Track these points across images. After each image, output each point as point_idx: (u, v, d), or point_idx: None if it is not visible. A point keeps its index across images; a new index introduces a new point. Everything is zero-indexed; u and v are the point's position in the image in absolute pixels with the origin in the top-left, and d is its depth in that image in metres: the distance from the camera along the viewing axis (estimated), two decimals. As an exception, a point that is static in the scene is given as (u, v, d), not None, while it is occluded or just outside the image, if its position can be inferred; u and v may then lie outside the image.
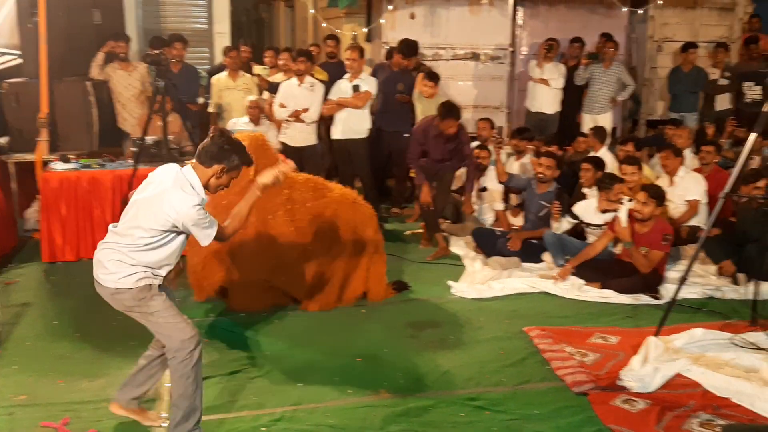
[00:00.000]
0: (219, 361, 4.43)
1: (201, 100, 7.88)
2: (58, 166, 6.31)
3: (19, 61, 7.43)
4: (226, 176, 3.44)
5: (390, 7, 9.40)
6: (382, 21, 9.51)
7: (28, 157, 6.68)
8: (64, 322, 5.00)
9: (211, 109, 7.99)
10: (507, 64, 10.02)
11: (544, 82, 8.97)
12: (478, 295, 5.57)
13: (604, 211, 6.11)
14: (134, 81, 7.39)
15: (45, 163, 6.50)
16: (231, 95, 7.90)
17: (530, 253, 6.31)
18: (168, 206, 3.28)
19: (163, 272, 3.48)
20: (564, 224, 6.34)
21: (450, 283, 5.79)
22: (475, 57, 9.94)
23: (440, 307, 5.40)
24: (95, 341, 4.68)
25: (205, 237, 3.37)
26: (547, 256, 6.26)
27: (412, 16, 9.32)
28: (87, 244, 6.23)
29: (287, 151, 7.23)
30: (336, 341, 4.76)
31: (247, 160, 3.49)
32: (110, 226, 3.53)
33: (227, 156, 3.39)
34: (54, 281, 5.85)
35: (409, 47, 7.85)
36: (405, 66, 7.75)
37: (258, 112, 7.46)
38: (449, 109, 6.35)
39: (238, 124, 7.43)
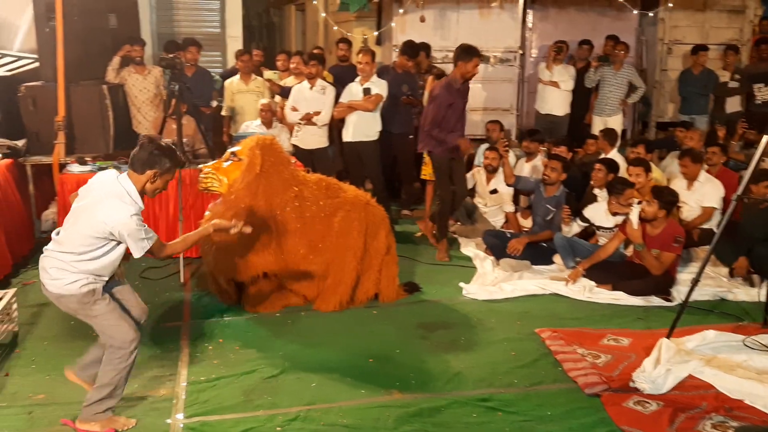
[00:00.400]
0: (233, 361, 4.49)
1: (214, 103, 7.95)
2: (75, 168, 6.39)
3: (36, 64, 7.53)
4: (160, 180, 3.56)
5: (400, 11, 9.45)
6: (392, 24, 9.56)
7: (45, 160, 6.76)
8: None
9: (224, 113, 8.06)
10: (516, 66, 10.06)
11: (554, 84, 9.01)
12: (489, 297, 5.61)
13: (614, 215, 6.14)
14: (149, 84, 7.47)
15: (62, 166, 6.58)
16: (243, 98, 7.97)
17: (541, 255, 6.34)
18: (104, 215, 3.40)
19: (107, 277, 3.60)
20: (574, 227, 6.37)
21: (461, 284, 5.83)
22: (484, 60, 9.97)
23: (451, 309, 5.45)
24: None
25: (139, 249, 3.47)
26: (558, 258, 6.29)
27: (422, 19, 9.36)
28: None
29: (299, 153, 7.30)
30: (348, 342, 4.81)
31: (177, 162, 3.62)
32: (53, 233, 3.63)
33: (158, 161, 3.50)
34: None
35: (411, 48, 7.90)
36: (409, 67, 7.79)
37: (270, 115, 7.52)
38: (469, 48, 6.33)
39: (251, 127, 7.49)
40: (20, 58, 8.11)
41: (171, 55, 6.28)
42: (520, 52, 10.00)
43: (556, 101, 9.08)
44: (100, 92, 7.04)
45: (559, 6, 10.10)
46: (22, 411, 3.86)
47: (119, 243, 3.51)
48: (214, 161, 5.24)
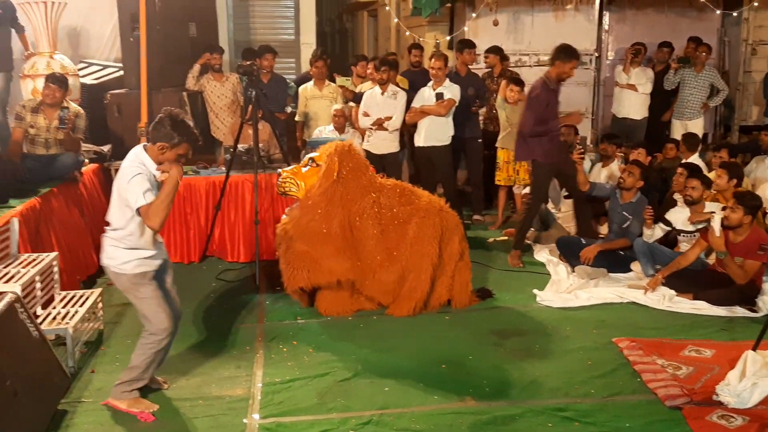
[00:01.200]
0: (307, 364, 4.55)
1: (289, 109, 8.09)
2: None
3: (121, 73, 7.84)
4: (169, 152, 3.71)
5: (473, 15, 9.41)
6: (465, 28, 9.53)
7: (128, 165, 7.01)
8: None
9: (297, 118, 8.19)
10: (592, 69, 9.87)
11: (632, 87, 8.80)
12: (564, 304, 5.52)
13: (696, 222, 5.94)
14: (226, 91, 7.66)
15: (144, 170, 6.81)
16: (317, 104, 8.07)
17: (618, 262, 6.19)
18: (123, 181, 3.67)
19: (153, 254, 3.85)
20: (657, 231, 6.17)
21: (535, 291, 5.75)
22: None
23: (525, 316, 5.38)
24: (191, 341, 4.88)
25: (135, 200, 3.60)
26: (635, 266, 6.12)
27: (496, 23, 9.30)
28: (183, 248, 6.52)
29: (370, 158, 7.27)
30: (421, 347, 4.81)
31: (188, 137, 3.73)
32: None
33: (168, 135, 3.68)
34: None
35: (463, 43, 8.00)
36: (468, 63, 7.84)
37: (343, 121, 7.60)
38: (569, 49, 6.25)
39: (324, 132, 7.59)
40: (106, 66, 8.47)
41: (248, 63, 6.42)
42: (596, 54, 9.81)
43: (633, 105, 8.86)
44: (181, 99, 7.27)
45: (637, 7, 9.86)
46: (107, 407, 3.98)
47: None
48: (293, 166, 5.34)
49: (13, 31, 7.28)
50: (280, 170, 5.32)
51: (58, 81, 6.10)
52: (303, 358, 4.63)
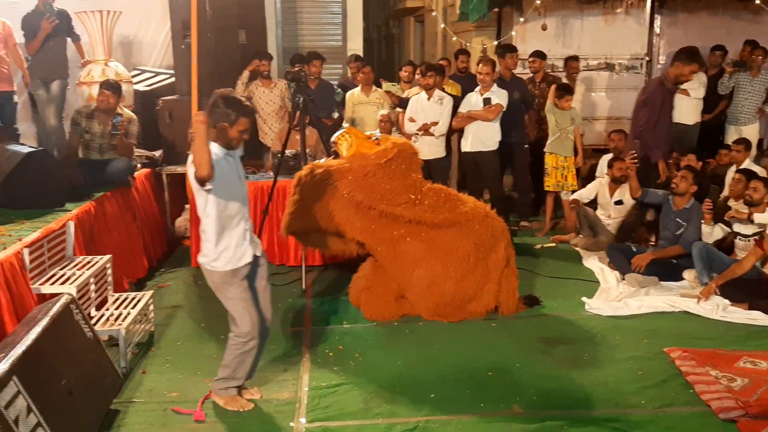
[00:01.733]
0: (353, 368, 4.56)
1: (336, 114, 8.14)
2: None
3: (172, 79, 8.00)
4: (231, 130, 3.76)
5: (521, 19, 9.34)
6: (512, 33, 9.46)
7: (179, 169, 7.15)
8: (211, 324, 5.31)
9: (345, 123, 8.22)
10: (643, 73, 9.72)
11: (684, 92, 8.59)
12: (614, 313, 5.42)
13: (732, 218, 5.79)
14: (275, 97, 7.75)
15: (194, 175, 6.92)
16: (364, 109, 8.10)
17: (670, 270, 6.06)
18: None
19: (247, 259, 3.87)
20: (717, 231, 5.98)
21: (584, 299, 5.66)
22: (609, 67, 9.72)
23: (573, 324, 5.30)
24: (239, 344, 4.93)
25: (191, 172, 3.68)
26: (688, 274, 5.98)
27: (544, 27, 9.21)
28: (230, 251, 6.58)
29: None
30: (467, 354, 4.78)
31: (244, 110, 3.79)
32: None
33: (222, 112, 3.73)
34: (202, 286, 6.17)
35: (504, 48, 8.01)
36: (511, 67, 7.83)
37: (389, 126, 7.61)
38: (692, 52, 6.16)
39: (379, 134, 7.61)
40: (158, 73, 8.64)
41: (296, 69, 6.48)
42: (647, 58, 9.65)
43: (685, 110, 8.63)
44: (230, 105, 7.35)
45: (690, 10, 9.66)
46: (158, 408, 4.07)
47: (209, 193, 3.72)
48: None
49: (69, 39, 7.48)
50: (347, 125, 5.31)
51: (111, 87, 6.26)
52: (349, 363, 4.65)
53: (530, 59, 8.25)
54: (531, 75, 8.32)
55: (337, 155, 5.37)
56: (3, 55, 7.23)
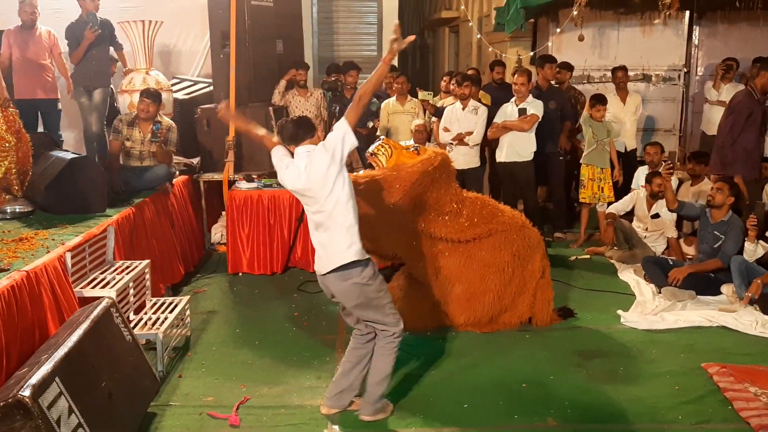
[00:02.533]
0: (387, 377, 4.57)
1: (371, 123, 8.18)
2: (243, 185, 6.80)
3: (211, 88, 8.12)
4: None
5: (557, 30, 9.31)
6: (548, 44, 9.44)
7: (216, 177, 7.25)
8: (246, 330, 5.37)
9: (379, 133, 8.26)
10: (680, 85, 9.64)
11: (722, 104, 8.48)
12: (650, 327, 5.36)
13: None
14: (311, 106, 7.81)
15: (231, 183, 7.02)
16: (398, 119, 8.13)
17: (707, 284, 5.97)
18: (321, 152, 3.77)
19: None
20: (759, 249, 5.88)
21: (619, 312, 5.60)
22: (646, 78, 9.64)
23: (609, 337, 5.25)
24: (274, 350, 4.98)
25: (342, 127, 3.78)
26: (726, 288, 5.89)
27: (581, 38, 9.16)
28: (266, 258, 6.67)
29: (451, 173, 7.34)
30: (500, 364, 4.76)
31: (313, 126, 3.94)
32: None
33: (310, 128, 3.89)
34: (237, 291, 6.29)
35: (543, 58, 8.00)
36: (549, 78, 7.81)
37: (425, 136, 7.63)
38: None
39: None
40: (197, 82, 8.78)
41: (333, 78, 6.54)
42: (685, 70, 9.56)
43: (725, 122, 8.54)
44: (267, 114, 7.45)
45: (730, 21, 9.55)
46: (194, 411, 4.12)
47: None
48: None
49: (111, 48, 7.65)
50: (383, 137, 5.32)
51: (151, 96, 6.38)
52: (382, 371, 4.65)
53: (556, 70, 8.22)
54: (557, 86, 8.28)
55: (372, 167, 5.37)
56: (48, 63, 7.41)
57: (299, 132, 3.86)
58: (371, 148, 5.23)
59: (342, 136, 3.73)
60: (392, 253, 5.27)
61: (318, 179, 3.72)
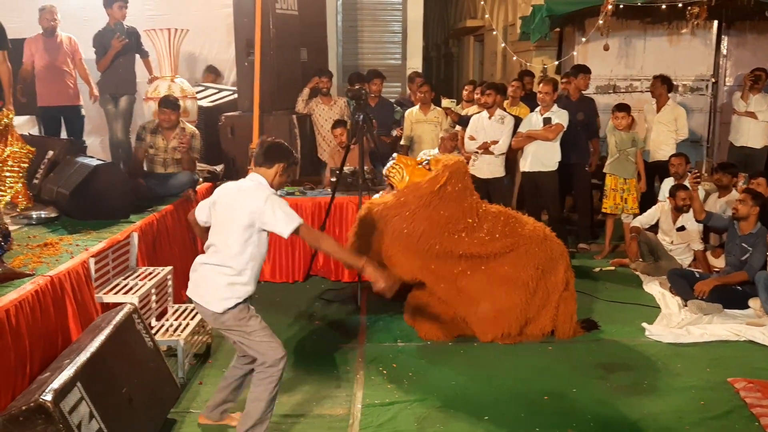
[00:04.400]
0: (407, 387, 4.54)
1: (394, 132, 8.19)
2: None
3: (235, 96, 8.18)
4: (285, 173, 3.73)
5: (583, 39, 9.25)
6: (574, 53, 9.38)
7: (239, 184, 7.27)
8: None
9: (403, 142, 8.26)
10: (708, 95, 9.53)
11: (751, 114, 8.37)
12: (675, 340, 5.28)
13: None
14: (334, 114, 7.83)
15: (253, 190, 7.03)
16: (422, 128, 8.12)
17: (734, 298, 5.86)
18: (247, 203, 3.56)
19: (253, 287, 3.73)
20: None
21: (644, 324, 5.52)
22: (673, 88, 9.52)
23: (633, 350, 5.17)
24: (294, 359, 4.96)
25: (286, 226, 3.53)
26: (754, 302, 5.78)
27: (606, 48, 9.10)
28: (288, 266, 6.68)
29: (475, 182, 7.27)
30: (522, 376, 4.71)
31: (295, 158, 3.81)
32: (205, 247, 3.84)
33: (287, 154, 3.73)
34: (258, 299, 6.17)
35: (577, 68, 7.96)
36: (582, 88, 7.77)
37: (453, 144, 7.60)
38: None
39: (428, 156, 7.60)
40: (221, 90, 8.86)
41: (357, 87, 6.54)
42: (713, 80, 9.44)
43: (752, 133, 8.42)
44: (290, 121, 7.49)
45: (759, 31, 9.43)
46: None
47: (261, 234, 3.61)
48: (410, 158, 5.36)
49: (137, 56, 7.74)
50: (396, 155, 5.29)
51: (170, 105, 6.39)
52: (403, 381, 4.63)
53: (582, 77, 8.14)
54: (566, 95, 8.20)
55: (392, 187, 5.36)
56: (70, 70, 7.51)
57: (261, 155, 3.72)
58: (385, 169, 5.21)
59: (285, 224, 3.55)
60: (412, 278, 5.24)
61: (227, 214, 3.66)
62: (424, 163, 5.20)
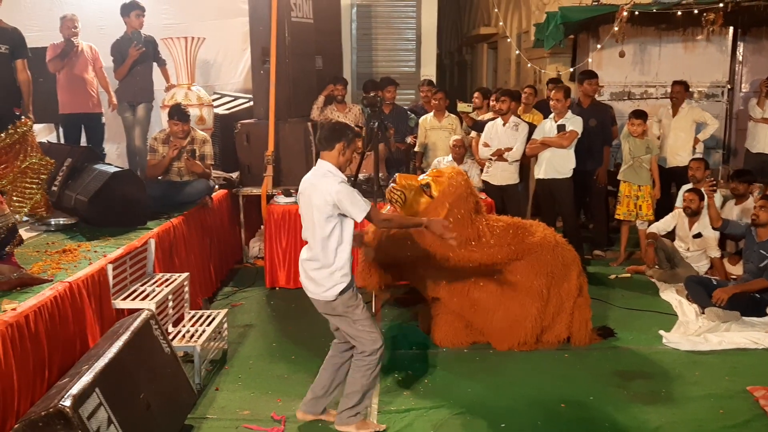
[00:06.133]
0: (423, 394, 4.54)
1: (408, 139, 8.20)
2: (281, 199, 6.84)
3: (251, 104, 8.22)
4: (348, 151, 3.89)
5: (598, 46, 9.23)
6: (588, 60, 9.36)
7: (255, 191, 7.32)
8: (282, 344, 5.39)
9: (417, 148, 8.28)
10: (724, 102, 9.47)
11: (766, 121, 8.32)
12: (693, 348, 5.24)
13: None
14: (349, 122, 7.84)
15: (269, 197, 7.07)
16: (436, 135, 8.12)
17: (753, 305, 5.81)
18: (322, 192, 3.76)
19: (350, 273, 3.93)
20: None
21: (661, 332, 5.49)
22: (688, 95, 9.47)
23: (649, 358, 5.14)
24: (310, 365, 4.94)
25: (359, 211, 3.75)
26: (772, 310, 5.74)
27: (622, 54, 9.08)
28: (302, 273, 6.68)
29: (489, 189, 7.31)
30: (538, 384, 4.70)
31: (354, 131, 3.94)
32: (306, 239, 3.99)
33: (343, 132, 3.87)
34: (274, 305, 6.32)
35: (583, 74, 7.89)
36: (589, 94, 7.72)
37: (463, 151, 7.61)
38: None
39: (442, 163, 7.61)
40: (237, 98, 8.91)
41: (372, 94, 6.56)
42: (729, 86, 9.39)
43: (768, 140, 8.37)
44: (305, 129, 7.50)
45: (775, 37, 9.38)
46: (231, 425, 4.13)
47: (342, 221, 3.83)
48: (411, 177, 5.30)
49: (154, 64, 7.81)
50: (397, 175, 5.26)
51: (180, 115, 6.38)
52: (418, 388, 4.63)
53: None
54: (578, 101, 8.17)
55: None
56: (91, 78, 7.58)
57: (322, 139, 3.91)
58: (387, 193, 5.11)
59: (356, 210, 3.76)
60: (430, 296, 5.31)
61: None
62: (425, 187, 5.10)
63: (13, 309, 3.54)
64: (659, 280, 6.78)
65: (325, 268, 3.84)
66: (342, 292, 3.85)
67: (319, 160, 3.92)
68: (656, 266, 6.96)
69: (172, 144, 6.39)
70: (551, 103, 7.16)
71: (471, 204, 5.08)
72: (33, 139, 5.67)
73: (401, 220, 4.07)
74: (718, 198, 6.93)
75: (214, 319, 5.07)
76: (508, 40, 11.73)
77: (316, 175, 3.87)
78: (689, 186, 7.16)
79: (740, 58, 9.54)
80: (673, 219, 7.09)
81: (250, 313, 6.11)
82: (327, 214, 3.76)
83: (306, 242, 3.97)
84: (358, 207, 3.74)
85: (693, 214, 6.78)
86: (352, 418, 4.00)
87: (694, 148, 8.06)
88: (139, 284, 4.89)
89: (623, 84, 9.51)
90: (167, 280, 5.05)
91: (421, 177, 5.22)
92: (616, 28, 8.58)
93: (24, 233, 5.38)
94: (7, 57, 5.74)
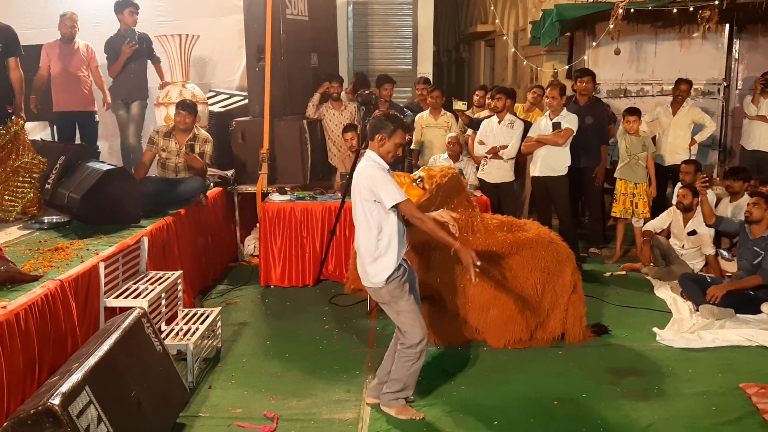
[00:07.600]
0: (416, 392, 4.47)
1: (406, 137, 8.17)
2: (276, 197, 6.83)
3: (246, 101, 8.21)
4: (389, 142, 3.94)
5: (593, 43, 9.22)
6: (584, 57, 9.35)
7: (250, 189, 7.31)
8: (276, 342, 5.38)
9: (413, 146, 8.27)
10: (720, 99, 9.45)
11: (762, 118, 8.32)
12: (686, 345, 5.23)
13: None
14: (344, 119, 7.84)
15: (264, 195, 7.06)
16: (432, 132, 8.13)
17: (747, 303, 5.82)
18: (360, 177, 3.91)
19: (399, 261, 3.98)
20: None
21: (655, 329, 5.49)
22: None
23: (643, 355, 5.13)
24: (303, 363, 4.98)
25: (389, 198, 3.82)
26: (766, 307, 5.73)
27: (617, 52, 9.06)
28: (298, 270, 6.68)
29: (485, 187, 7.31)
30: (532, 381, 4.69)
31: (399, 123, 3.97)
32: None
33: (382, 125, 3.94)
34: (268, 303, 6.31)
35: (578, 72, 7.92)
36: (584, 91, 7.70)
37: (459, 148, 7.61)
38: None
39: (438, 161, 7.61)
40: (232, 95, 8.89)
41: (367, 92, 6.55)
42: (725, 83, 9.37)
43: (764, 137, 8.36)
44: (301, 127, 7.50)
45: (771, 34, 9.36)
46: (223, 423, 4.12)
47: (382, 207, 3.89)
48: (405, 174, 5.32)
49: (149, 62, 7.79)
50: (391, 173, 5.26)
51: (188, 107, 6.46)
52: (412, 385, 4.62)
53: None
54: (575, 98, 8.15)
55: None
56: (85, 76, 7.57)
57: (368, 129, 4.03)
58: None
59: (386, 195, 3.83)
60: (425, 293, 5.26)
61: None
62: (417, 181, 5.17)
63: (3, 307, 3.53)
64: (654, 278, 6.78)
65: (368, 254, 3.95)
66: (388, 281, 3.93)
67: (367, 150, 4.04)
68: (651, 264, 6.97)
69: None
70: (546, 101, 7.16)
71: (463, 198, 5.11)
72: (25, 138, 5.66)
73: (434, 228, 3.92)
74: (711, 196, 6.92)
75: (207, 317, 5.06)
76: (505, 37, 11.72)
77: (361, 163, 4.01)
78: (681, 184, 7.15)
79: (736, 56, 9.53)
80: (669, 216, 7.09)
81: (244, 311, 6.10)
82: (365, 198, 3.88)
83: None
84: (390, 194, 3.81)
85: (686, 210, 6.79)
86: (393, 402, 4.17)
87: (690, 149, 8.06)
88: (132, 282, 4.88)
89: (619, 82, 9.50)
90: (160, 278, 5.04)
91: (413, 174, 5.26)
92: (611, 26, 8.57)
93: (16, 231, 5.40)
94: (-1, 55, 5.73)
